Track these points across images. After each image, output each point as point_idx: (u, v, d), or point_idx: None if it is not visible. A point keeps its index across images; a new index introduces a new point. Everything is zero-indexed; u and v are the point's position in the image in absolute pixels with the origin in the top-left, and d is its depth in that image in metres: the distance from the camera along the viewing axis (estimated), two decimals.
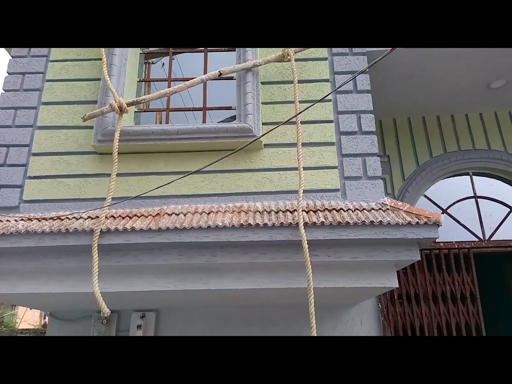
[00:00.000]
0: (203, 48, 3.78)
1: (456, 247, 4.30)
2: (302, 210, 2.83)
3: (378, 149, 3.30)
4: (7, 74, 3.56)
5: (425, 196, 4.78)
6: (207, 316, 3.91)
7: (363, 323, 3.91)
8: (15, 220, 2.87)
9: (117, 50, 3.43)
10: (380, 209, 2.94)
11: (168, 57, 3.87)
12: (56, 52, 3.61)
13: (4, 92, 3.49)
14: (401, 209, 2.90)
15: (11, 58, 3.64)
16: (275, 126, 2.73)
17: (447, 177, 4.91)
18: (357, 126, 3.31)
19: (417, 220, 2.73)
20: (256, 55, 3.49)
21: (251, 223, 2.73)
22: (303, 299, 3.27)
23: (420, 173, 4.75)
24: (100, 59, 3.34)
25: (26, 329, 14.41)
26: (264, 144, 3.30)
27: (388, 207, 2.95)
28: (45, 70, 3.55)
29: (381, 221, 2.70)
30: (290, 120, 3.04)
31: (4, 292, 2.81)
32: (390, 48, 2.58)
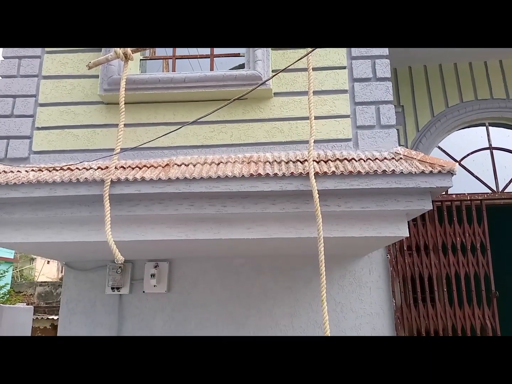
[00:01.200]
0: None
1: (468, 198, 4.25)
2: (313, 160, 2.79)
3: (393, 96, 3.18)
4: None
5: (439, 147, 4.67)
6: (218, 266, 4.00)
7: (371, 273, 3.97)
8: (25, 170, 2.89)
9: None
10: (393, 158, 2.88)
11: None
12: None
13: None
14: (415, 158, 2.84)
15: None
16: (283, 68, 2.60)
17: (462, 128, 4.76)
18: (372, 72, 3.18)
19: (430, 169, 2.68)
20: None
21: (261, 173, 2.70)
22: (312, 249, 3.30)
23: (434, 123, 4.61)
24: None
25: (44, 282, 15.01)
26: (274, 93, 3.20)
27: (401, 156, 2.88)
28: None
29: (393, 170, 2.65)
30: (302, 67, 2.92)
31: (19, 241, 2.88)
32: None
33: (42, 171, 2.83)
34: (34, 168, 2.90)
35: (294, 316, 3.87)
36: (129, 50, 2.82)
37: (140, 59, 3.44)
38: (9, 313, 4.08)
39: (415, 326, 3.93)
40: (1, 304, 4.38)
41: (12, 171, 2.89)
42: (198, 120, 3.02)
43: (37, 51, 3.35)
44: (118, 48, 2.83)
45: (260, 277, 3.96)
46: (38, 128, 3.20)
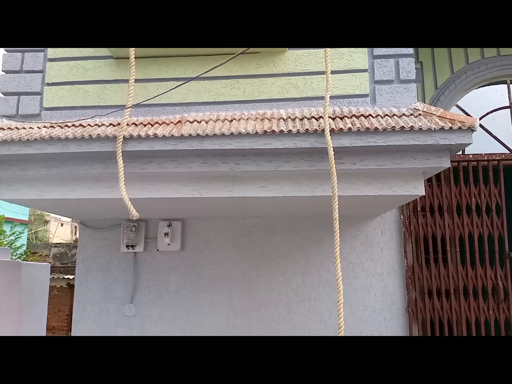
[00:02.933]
0: None
1: (485, 159, 4.15)
2: (329, 117, 2.71)
3: (412, 50, 3.04)
4: None
5: (457, 106, 4.51)
6: (231, 225, 4.02)
7: (383, 233, 3.96)
8: (37, 127, 2.86)
9: None
10: (411, 114, 2.79)
11: None
12: None
13: None
14: (434, 114, 2.74)
15: None
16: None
17: (482, 86, 4.58)
18: None
19: (450, 125, 2.58)
20: None
21: (275, 130, 2.64)
22: (324, 209, 3.29)
23: (454, 81, 4.43)
24: None
25: (59, 243, 15.42)
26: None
27: (421, 112, 2.79)
28: None
29: (412, 126, 2.57)
30: None
31: (34, 198, 2.90)
32: None
33: (54, 127, 2.80)
34: (46, 125, 2.87)
35: (306, 274, 3.92)
36: None
37: None
38: (28, 269, 4.19)
39: (426, 285, 3.96)
40: (20, 260, 4.49)
41: (24, 128, 2.87)
42: (210, 76, 2.95)
43: None
44: None
45: (272, 237, 3.99)
46: (48, 84, 3.14)
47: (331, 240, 3.90)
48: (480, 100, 4.58)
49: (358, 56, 3.04)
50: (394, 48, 3.02)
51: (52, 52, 3.18)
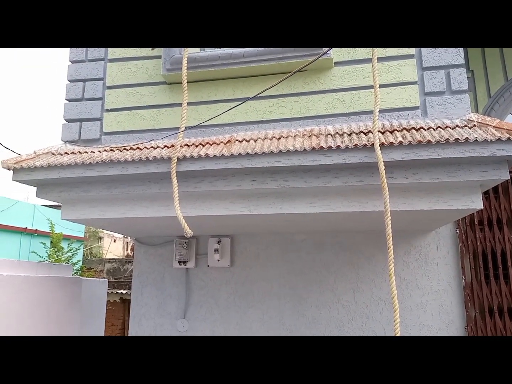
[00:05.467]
0: None
1: None
2: (378, 131, 2.68)
3: (463, 59, 2.96)
4: None
5: None
6: (279, 241, 4.04)
7: (439, 248, 3.81)
8: (98, 151, 3.06)
9: None
10: (465, 126, 2.70)
11: None
12: None
13: None
14: (490, 125, 2.64)
15: None
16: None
17: None
18: None
19: (508, 135, 2.48)
20: None
21: (323, 146, 2.65)
22: (375, 224, 3.24)
23: (508, 88, 4.25)
24: None
25: (112, 259, 16.06)
26: (334, 62, 3.10)
27: (475, 123, 2.69)
28: None
29: (467, 138, 2.48)
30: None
31: (96, 217, 3.09)
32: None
33: (114, 151, 2.99)
34: (106, 148, 3.06)
35: (357, 291, 3.83)
36: None
37: None
38: (87, 285, 4.43)
39: (487, 303, 3.74)
40: (80, 277, 4.75)
41: (86, 152, 3.08)
42: (257, 95, 3.02)
43: None
44: None
45: (321, 253, 3.95)
46: (107, 110, 3.36)
47: (382, 256, 3.81)
48: None
49: (406, 68, 3.01)
50: (444, 59, 2.96)
51: (110, 80, 3.40)
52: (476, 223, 3.85)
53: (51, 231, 13.88)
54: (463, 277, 3.71)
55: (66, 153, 3.10)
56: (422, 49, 3.00)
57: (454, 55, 2.96)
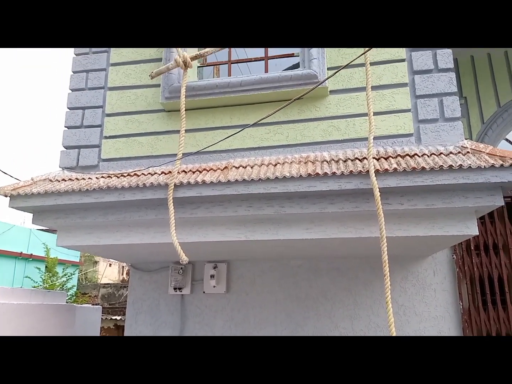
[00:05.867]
0: None
1: None
2: (373, 158, 2.72)
3: (456, 87, 3.04)
4: None
5: (507, 140, 4.39)
6: (275, 267, 4.01)
7: (436, 274, 3.79)
8: (96, 177, 3.08)
9: None
10: (459, 152, 2.74)
11: None
12: None
13: (75, 56, 3.64)
14: (483, 152, 2.68)
15: None
16: (340, 68, 2.58)
17: None
18: (433, 64, 3.05)
19: (501, 162, 2.52)
20: None
21: (319, 173, 2.68)
22: (370, 250, 3.23)
23: (501, 114, 4.34)
24: None
25: (107, 284, 15.82)
26: (330, 91, 3.17)
27: (469, 150, 2.74)
28: None
29: (461, 165, 2.52)
30: (358, 62, 2.87)
31: (92, 244, 3.07)
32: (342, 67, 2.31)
33: (111, 178, 3.00)
34: (103, 175, 3.08)
35: (354, 318, 3.79)
36: (188, 58, 2.92)
37: (198, 66, 3.55)
38: (81, 312, 4.36)
39: (485, 329, 3.70)
40: (74, 304, 4.68)
41: (83, 178, 3.09)
42: (255, 124, 3.07)
43: (102, 64, 3.57)
44: (178, 57, 2.94)
45: (318, 279, 3.92)
46: (106, 137, 3.40)
47: (380, 281, 3.78)
48: None
49: (400, 96, 3.07)
50: (437, 87, 3.03)
51: (109, 107, 3.46)
52: (472, 248, 3.86)
53: (46, 256, 13.73)
54: (461, 303, 3.69)
55: (63, 179, 3.11)
56: (416, 77, 3.08)
57: (446, 83, 3.03)
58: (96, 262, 21.60)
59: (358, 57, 2.51)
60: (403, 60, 3.11)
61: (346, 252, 3.63)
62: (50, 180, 3.10)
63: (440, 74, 3.03)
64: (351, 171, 2.64)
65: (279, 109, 2.69)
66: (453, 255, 3.80)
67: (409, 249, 3.39)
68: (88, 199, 2.86)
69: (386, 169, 2.60)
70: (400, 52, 3.12)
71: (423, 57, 3.08)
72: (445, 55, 3.05)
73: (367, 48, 2.68)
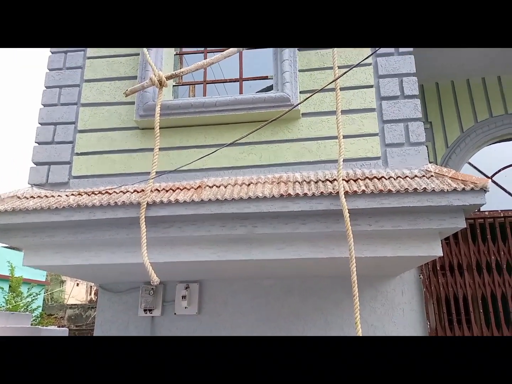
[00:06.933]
0: None
1: (502, 215, 4.14)
2: (343, 179, 2.80)
3: (421, 114, 3.19)
4: (51, 53, 3.66)
5: (470, 163, 4.60)
6: (248, 287, 4.00)
7: (404, 294, 3.88)
8: (66, 195, 3.02)
9: None
10: (423, 176, 2.86)
11: None
12: None
13: (48, 71, 3.61)
14: (446, 176, 2.81)
15: None
16: (313, 93, 2.68)
17: (493, 143, 4.69)
18: (399, 90, 3.20)
19: (463, 186, 2.64)
20: None
21: (291, 193, 2.73)
22: (342, 270, 3.28)
23: (464, 139, 4.56)
24: None
25: (74, 305, 15.28)
26: (301, 113, 3.26)
27: (433, 173, 2.86)
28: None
29: (425, 188, 2.63)
30: (329, 87, 2.98)
31: (59, 264, 2.99)
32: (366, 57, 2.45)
33: (82, 195, 2.96)
34: (74, 193, 3.03)
35: None
36: (163, 77, 2.95)
37: (173, 85, 3.59)
38: (47, 335, 4.18)
39: None
40: (39, 326, 4.50)
41: (53, 196, 3.03)
42: (229, 144, 3.12)
43: (76, 80, 3.55)
44: (153, 76, 2.97)
45: (290, 298, 3.94)
46: (78, 154, 3.35)
47: (350, 301, 3.79)
48: (492, 157, 4.67)
49: (368, 121, 3.20)
50: (402, 113, 3.17)
51: (82, 124, 3.43)
52: (438, 268, 3.98)
53: (10, 275, 13.14)
54: (428, 323, 3.78)
55: (32, 197, 3.04)
56: (383, 103, 3.21)
57: (412, 109, 3.18)
58: (63, 282, 20.84)
59: (330, 83, 2.61)
60: (371, 86, 3.25)
61: (318, 271, 3.67)
62: (18, 197, 3.02)
63: (406, 101, 3.18)
64: (322, 192, 2.71)
65: (254, 131, 2.76)
66: (420, 275, 3.91)
67: (378, 268, 3.47)
68: (58, 218, 2.80)
69: (355, 191, 2.68)
70: (369, 79, 3.26)
71: (389, 83, 3.23)
72: (411, 82, 3.21)
73: (338, 75, 2.80)
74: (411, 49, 3.27)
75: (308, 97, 2.64)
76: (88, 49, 3.60)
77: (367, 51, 3.30)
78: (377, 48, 3.11)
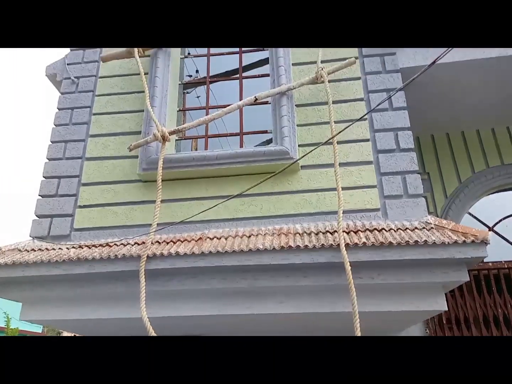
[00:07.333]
0: (237, 75, 3.91)
1: (506, 266, 4.10)
2: (343, 231, 2.81)
3: (418, 166, 3.25)
4: (57, 110, 3.81)
5: (470, 213, 4.62)
6: None
7: None
8: (67, 248, 3.02)
9: (158, 82, 3.60)
10: (424, 228, 2.87)
11: (202, 86, 4.04)
12: (102, 87, 3.84)
13: (55, 126, 3.74)
14: (446, 228, 2.82)
15: (60, 94, 3.90)
16: (312, 148, 2.77)
17: (492, 193, 4.73)
18: (395, 144, 3.29)
19: (463, 238, 2.64)
20: (290, 79, 3.57)
21: (292, 245, 2.73)
22: (346, 325, 3.20)
23: (462, 190, 4.61)
24: (143, 91, 3.52)
25: None
26: (301, 166, 3.33)
27: (433, 225, 2.87)
28: (91, 104, 3.78)
29: (425, 240, 2.63)
30: (326, 141, 3.08)
31: (58, 319, 2.94)
32: (427, 65, 2.59)
33: (82, 248, 2.96)
34: (74, 245, 3.03)
35: None
36: (167, 133, 3.06)
37: (176, 140, 3.69)
38: None
39: None
40: None
41: (54, 249, 3.03)
42: (229, 194, 3.17)
43: (81, 135, 3.66)
44: (157, 131, 3.07)
45: None
46: (80, 207, 3.39)
47: None
48: (492, 206, 4.70)
49: (366, 173, 3.25)
50: (399, 165, 3.23)
51: (86, 177, 3.49)
52: (444, 322, 3.89)
53: (6, 326, 12.75)
54: None
55: (33, 249, 3.04)
56: (379, 156, 3.28)
57: (408, 162, 3.25)
58: (59, 333, 20.20)
59: (327, 141, 2.68)
60: (367, 140, 3.34)
61: (321, 326, 3.57)
62: (19, 250, 3.02)
63: (402, 154, 3.25)
64: (323, 244, 2.71)
65: (255, 185, 2.81)
66: (426, 330, 3.81)
67: (383, 323, 3.38)
68: (57, 271, 2.78)
69: (356, 243, 2.68)
70: (365, 133, 3.35)
71: (385, 137, 3.32)
72: (406, 136, 3.30)
73: (334, 130, 2.90)
74: (404, 104, 3.40)
75: (308, 153, 2.73)
76: (94, 105, 3.75)
77: (362, 107, 3.43)
78: (372, 109, 3.23)
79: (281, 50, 3.61)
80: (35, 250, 3.02)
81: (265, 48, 3.92)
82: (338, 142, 3.17)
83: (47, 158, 3.62)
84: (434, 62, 2.55)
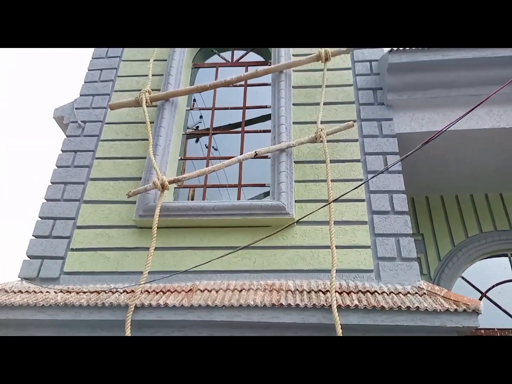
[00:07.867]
0: (240, 129, 4.04)
1: (498, 335, 4.03)
2: (335, 291, 2.79)
3: (412, 229, 3.29)
4: (61, 152, 3.89)
5: (463, 277, 4.60)
6: None
7: None
8: (54, 291, 2.97)
9: (163, 132, 3.71)
10: (416, 293, 2.86)
11: (205, 136, 4.15)
12: (107, 132, 3.94)
13: (56, 168, 3.79)
14: (439, 294, 2.81)
15: (65, 137, 3.99)
16: (312, 211, 2.85)
17: (485, 258, 4.74)
18: (390, 206, 3.34)
19: (455, 307, 2.64)
20: (290, 137, 3.68)
21: (283, 303, 2.71)
22: None
23: (456, 253, 4.61)
24: (147, 139, 3.62)
25: None
26: (296, 221, 3.36)
27: (425, 291, 2.86)
28: (95, 148, 3.86)
29: (418, 306, 2.62)
30: (322, 197, 3.13)
31: None
32: (429, 138, 2.71)
33: (70, 293, 2.91)
34: (63, 289, 2.98)
35: None
36: (166, 181, 3.11)
37: (174, 188, 3.74)
38: None
39: None
40: None
41: (41, 292, 2.98)
42: (223, 246, 3.17)
43: (82, 178, 3.70)
44: (157, 180, 3.12)
45: None
46: (72, 249, 3.36)
47: None
48: (485, 271, 4.68)
49: (360, 233, 3.28)
50: (393, 227, 3.27)
51: (81, 220, 3.49)
52: None
53: None
54: None
55: (20, 291, 2.98)
56: (374, 217, 3.33)
57: (402, 225, 3.29)
58: None
59: (325, 205, 2.74)
60: (363, 200, 3.40)
61: None
62: (6, 291, 2.97)
63: (396, 216, 3.30)
64: (314, 304, 2.68)
65: (254, 242, 2.83)
66: None
67: None
68: (42, 316, 2.72)
69: (348, 305, 2.66)
70: (360, 193, 3.42)
71: (380, 199, 3.38)
72: (400, 199, 3.37)
73: (331, 191, 2.97)
74: (400, 168, 3.49)
75: (308, 215, 2.81)
76: (98, 150, 3.83)
77: (359, 168, 3.52)
78: (374, 175, 3.30)
79: (283, 109, 3.75)
80: (22, 292, 2.96)
81: (267, 106, 4.07)
82: (334, 201, 3.22)
83: (45, 199, 3.63)
84: (427, 141, 2.69)
